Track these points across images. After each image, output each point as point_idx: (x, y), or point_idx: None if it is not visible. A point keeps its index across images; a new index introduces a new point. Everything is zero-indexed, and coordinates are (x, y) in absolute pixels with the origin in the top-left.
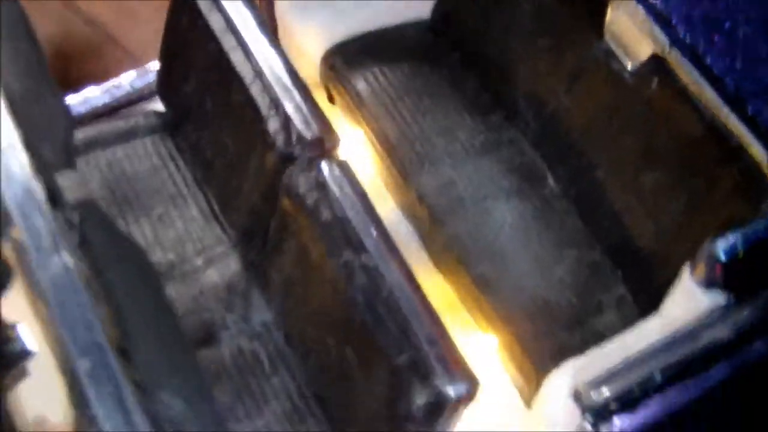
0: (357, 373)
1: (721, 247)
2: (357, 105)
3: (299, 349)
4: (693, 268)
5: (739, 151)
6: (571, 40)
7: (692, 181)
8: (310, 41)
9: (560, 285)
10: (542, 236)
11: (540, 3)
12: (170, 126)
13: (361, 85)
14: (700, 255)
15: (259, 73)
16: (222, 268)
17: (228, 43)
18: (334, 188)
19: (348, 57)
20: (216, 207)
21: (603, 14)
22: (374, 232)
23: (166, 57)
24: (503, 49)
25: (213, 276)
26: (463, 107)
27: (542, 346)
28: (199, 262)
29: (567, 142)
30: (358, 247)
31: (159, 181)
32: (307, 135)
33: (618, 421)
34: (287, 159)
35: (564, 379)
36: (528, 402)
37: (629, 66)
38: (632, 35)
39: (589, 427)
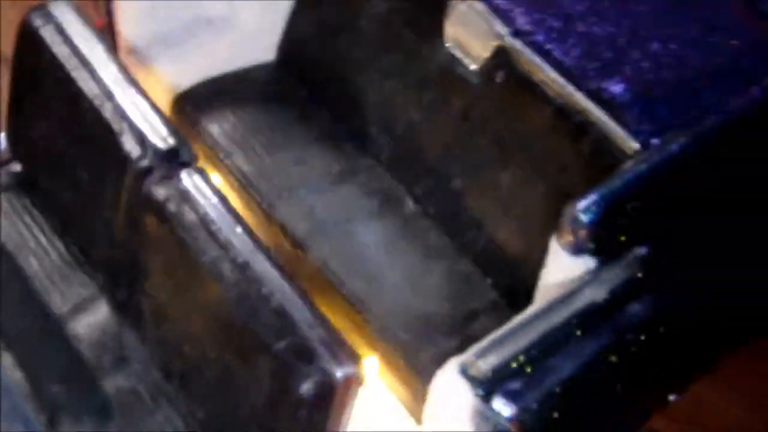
0: (241, 376)
1: (581, 208)
2: (210, 147)
3: (179, 377)
4: (559, 236)
5: (587, 127)
6: (413, 53)
7: (547, 168)
8: (157, 90)
9: (433, 296)
10: (409, 252)
11: (379, 22)
12: (25, 182)
13: (212, 127)
14: (562, 221)
15: (108, 94)
16: (90, 314)
17: (74, 67)
18: (195, 193)
19: (197, 102)
20: (77, 252)
21: (441, 20)
22: (239, 230)
23: (13, 111)
24: (349, 77)
25: (83, 323)
26: (316, 139)
27: (423, 357)
28: (65, 310)
29: (421, 159)
30: (225, 245)
31: (18, 238)
32: (163, 146)
33: (511, 386)
34: (145, 173)
35: (449, 373)
36: (418, 417)
37: (473, 66)
38: (472, 34)
39: (480, 402)
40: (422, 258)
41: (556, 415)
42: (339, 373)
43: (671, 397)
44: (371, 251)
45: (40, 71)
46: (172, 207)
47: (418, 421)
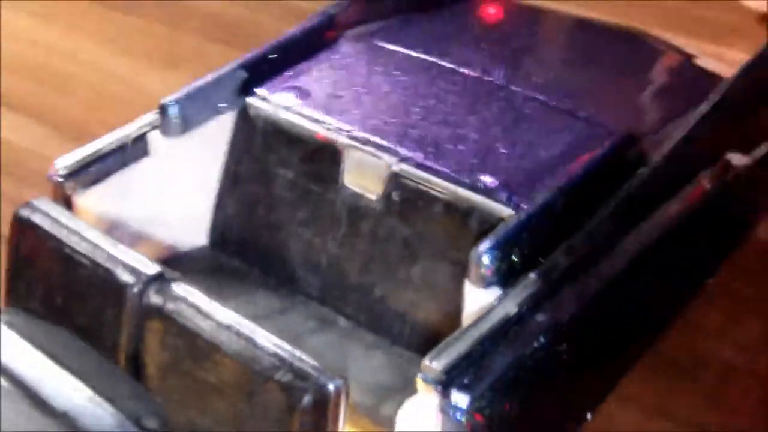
0: (251, 411)
1: (483, 250)
2: None
3: None
4: (469, 277)
5: (471, 211)
6: (321, 202)
7: (446, 252)
8: None
9: (380, 371)
10: (352, 350)
11: (289, 187)
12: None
13: None
14: (471, 263)
15: (99, 247)
16: None
17: (65, 235)
18: (185, 294)
19: None
20: None
21: (338, 170)
22: (227, 310)
23: (11, 287)
24: (274, 236)
25: None
26: (255, 290)
27: (384, 411)
28: None
29: (345, 283)
30: (221, 321)
31: None
32: (152, 271)
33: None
34: (143, 291)
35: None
36: None
37: (372, 196)
38: (367, 171)
39: (439, 398)
40: (364, 351)
41: (505, 404)
42: (331, 385)
43: (588, 416)
44: (320, 352)
45: (34, 247)
46: (170, 306)
47: None
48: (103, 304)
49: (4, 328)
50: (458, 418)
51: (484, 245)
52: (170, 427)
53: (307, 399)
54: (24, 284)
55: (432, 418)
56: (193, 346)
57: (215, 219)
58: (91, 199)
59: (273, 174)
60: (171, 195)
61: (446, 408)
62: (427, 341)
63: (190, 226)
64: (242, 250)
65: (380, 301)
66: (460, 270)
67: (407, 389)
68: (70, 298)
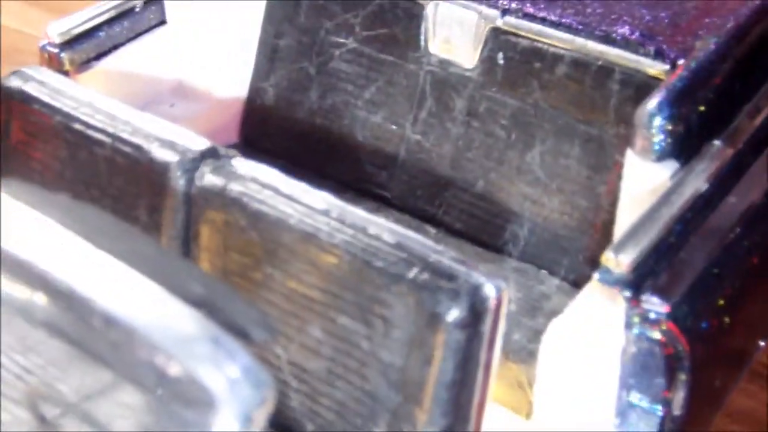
0: (366, 330)
1: (652, 110)
2: None
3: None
4: (635, 147)
5: (609, 69)
6: (397, 75)
7: (574, 127)
8: None
9: None
10: None
11: (351, 60)
12: None
13: None
14: (636, 130)
15: (123, 121)
16: None
17: (74, 107)
18: (253, 170)
19: None
20: None
21: (417, 32)
22: (311, 189)
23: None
24: (330, 126)
25: None
26: None
27: (514, 339)
28: None
29: (431, 179)
30: (310, 204)
31: None
32: (198, 146)
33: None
34: (191, 176)
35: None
36: (517, 409)
37: (466, 61)
38: (458, 29)
39: (625, 306)
40: None
41: (706, 313)
42: (489, 287)
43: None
44: None
45: (30, 127)
46: (236, 188)
47: (519, 413)
48: (134, 195)
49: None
50: (650, 332)
51: (655, 103)
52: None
53: (457, 306)
54: (18, 178)
55: (610, 334)
56: (276, 240)
57: (250, 109)
58: (94, 78)
59: (327, 44)
60: (192, 77)
61: (635, 318)
62: (551, 250)
63: (217, 118)
64: (287, 147)
65: (483, 200)
66: (595, 150)
67: (535, 312)
68: (82, 190)
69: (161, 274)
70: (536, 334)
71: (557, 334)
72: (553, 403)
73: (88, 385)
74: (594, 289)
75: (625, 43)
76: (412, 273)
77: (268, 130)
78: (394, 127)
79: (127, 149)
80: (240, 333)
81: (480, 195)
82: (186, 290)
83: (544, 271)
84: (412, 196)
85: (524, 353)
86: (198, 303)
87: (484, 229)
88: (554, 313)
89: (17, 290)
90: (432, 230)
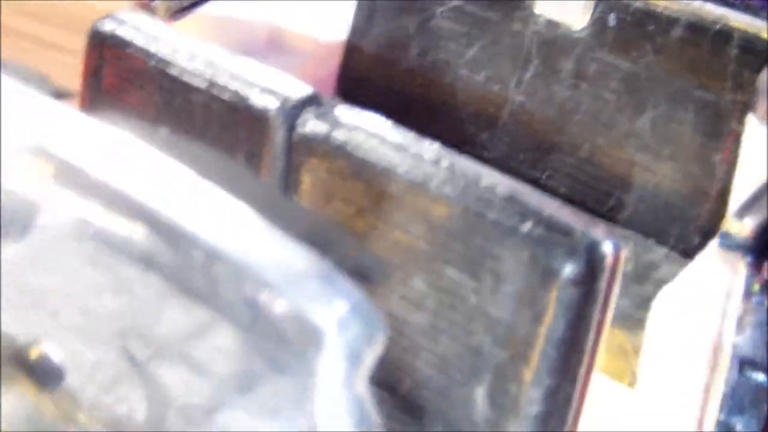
0: (476, 284)
1: None
2: None
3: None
4: (754, 109)
5: (727, 33)
6: (502, 35)
7: (688, 92)
8: None
9: None
10: None
11: (455, 17)
12: None
13: None
14: (758, 97)
15: (218, 66)
16: None
17: (170, 52)
18: (358, 117)
19: None
20: None
21: None
22: (413, 135)
23: None
24: (431, 85)
25: None
26: None
27: (621, 304)
28: None
29: (535, 142)
30: (418, 152)
31: None
32: (300, 93)
33: None
34: (293, 123)
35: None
36: (620, 378)
37: (575, 22)
38: None
39: (747, 272)
40: None
41: None
42: (607, 244)
43: None
44: None
45: (124, 71)
46: (340, 135)
47: (622, 381)
48: (231, 143)
49: None
50: None
51: None
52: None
53: (573, 262)
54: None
55: (727, 302)
56: (383, 189)
57: (347, 66)
58: (187, 27)
59: (429, 1)
60: (288, 30)
61: (755, 286)
62: (660, 218)
63: (312, 74)
64: (385, 106)
65: (589, 165)
66: (711, 117)
67: (643, 280)
68: (177, 136)
69: (268, 211)
70: (644, 301)
71: (669, 300)
72: (659, 372)
73: (182, 325)
74: (712, 254)
75: (744, 7)
76: (527, 227)
77: (365, 87)
78: (497, 87)
79: (225, 96)
80: (350, 273)
81: (586, 159)
82: (294, 228)
83: (651, 240)
84: (514, 160)
85: (631, 320)
86: (306, 241)
87: (589, 195)
88: (663, 281)
89: (113, 223)
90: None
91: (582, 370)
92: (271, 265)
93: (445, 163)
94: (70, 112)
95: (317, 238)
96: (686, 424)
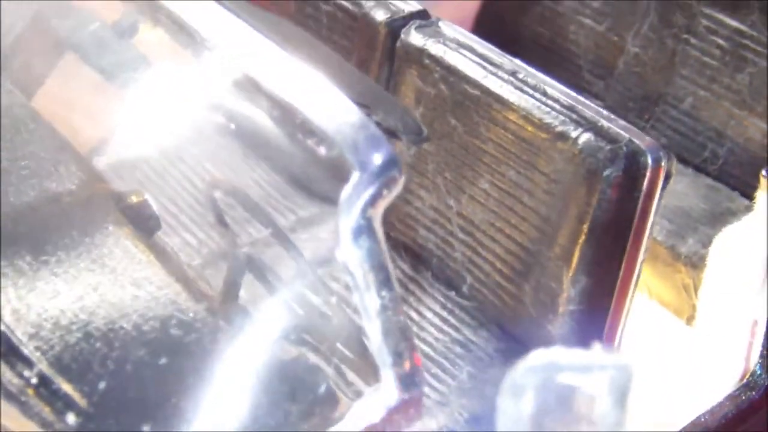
0: (530, 191)
1: None
2: None
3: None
4: None
5: None
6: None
7: None
8: None
9: (686, 198)
10: None
11: None
12: None
13: None
14: None
15: None
16: None
17: None
18: (453, 32)
19: None
20: None
21: None
22: (499, 51)
23: None
24: (556, 33)
25: None
26: None
27: (689, 244)
28: None
29: (644, 92)
30: (500, 64)
31: None
32: (408, 7)
33: None
34: (398, 33)
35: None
36: (683, 314)
37: None
38: None
39: None
40: None
41: None
42: (647, 154)
43: None
44: None
45: None
46: (435, 47)
47: (681, 316)
48: (348, 48)
49: None
50: None
51: None
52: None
53: (614, 166)
54: None
55: None
56: (463, 94)
57: (483, 8)
58: None
59: None
60: None
61: None
62: (747, 172)
63: (450, 14)
64: (513, 48)
65: (689, 117)
66: None
67: (716, 223)
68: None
69: (331, 70)
70: (711, 241)
71: (729, 238)
72: (716, 311)
73: (255, 177)
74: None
75: None
76: (577, 132)
77: (498, 28)
78: (616, 38)
79: (347, 5)
80: (392, 131)
81: (687, 112)
82: (355, 91)
83: (736, 192)
84: (624, 108)
85: (695, 258)
86: (363, 103)
87: (686, 146)
88: None
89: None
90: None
91: (620, 275)
92: (325, 115)
93: (520, 75)
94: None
95: (376, 102)
96: (734, 360)
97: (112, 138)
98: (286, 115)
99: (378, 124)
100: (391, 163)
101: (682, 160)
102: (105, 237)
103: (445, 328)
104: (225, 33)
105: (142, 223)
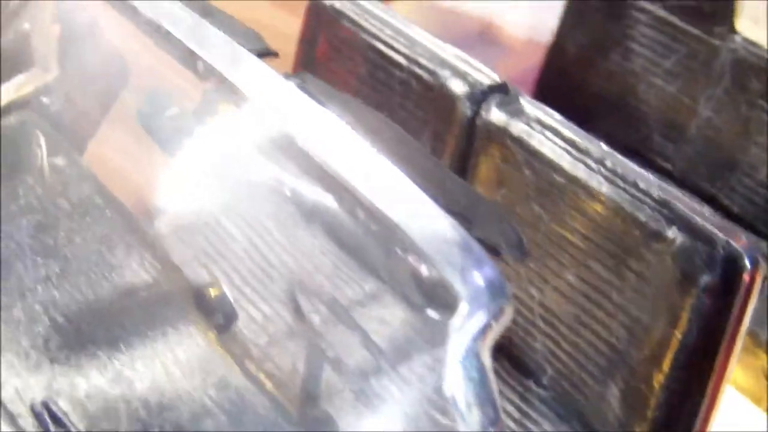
0: (619, 280)
1: None
2: None
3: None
4: None
5: None
6: (699, 50)
7: None
8: None
9: None
10: None
11: (657, 26)
12: None
13: None
14: None
15: (422, 46)
16: None
17: (378, 29)
18: (538, 112)
19: None
20: None
21: (729, 8)
22: (585, 134)
23: None
24: (624, 91)
25: None
26: None
27: None
28: None
29: (717, 158)
30: (588, 151)
31: None
32: (489, 81)
33: None
34: (478, 109)
35: None
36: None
37: None
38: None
39: None
40: None
41: None
42: (745, 258)
43: None
44: None
45: (334, 39)
46: (518, 127)
47: (759, 404)
48: (422, 120)
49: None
50: None
51: None
52: None
53: (710, 272)
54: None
55: None
56: (548, 180)
57: (549, 61)
58: (404, 8)
59: (636, 8)
60: (499, 23)
61: None
62: None
63: (515, 66)
64: (579, 104)
65: (764, 187)
66: None
67: None
68: (375, 108)
69: (430, 180)
70: None
71: None
72: None
73: (352, 291)
74: None
75: None
76: (672, 232)
77: (563, 85)
78: (687, 100)
79: (422, 74)
80: (494, 248)
81: (762, 182)
82: (449, 198)
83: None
84: (694, 173)
85: None
86: (459, 212)
87: (760, 218)
88: None
89: (306, 189)
90: (706, 210)
91: (712, 381)
92: (421, 230)
93: (608, 163)
94: (276, 77)
95: (472, 211)
96: None
97: (177, 210)
98: (378, 227)
99: (479, 239)
100: (499, 291)
101: (756, 232)
102: (180, 334)
103: (525, 421)
104: (309, 126)
105: (219, 318)
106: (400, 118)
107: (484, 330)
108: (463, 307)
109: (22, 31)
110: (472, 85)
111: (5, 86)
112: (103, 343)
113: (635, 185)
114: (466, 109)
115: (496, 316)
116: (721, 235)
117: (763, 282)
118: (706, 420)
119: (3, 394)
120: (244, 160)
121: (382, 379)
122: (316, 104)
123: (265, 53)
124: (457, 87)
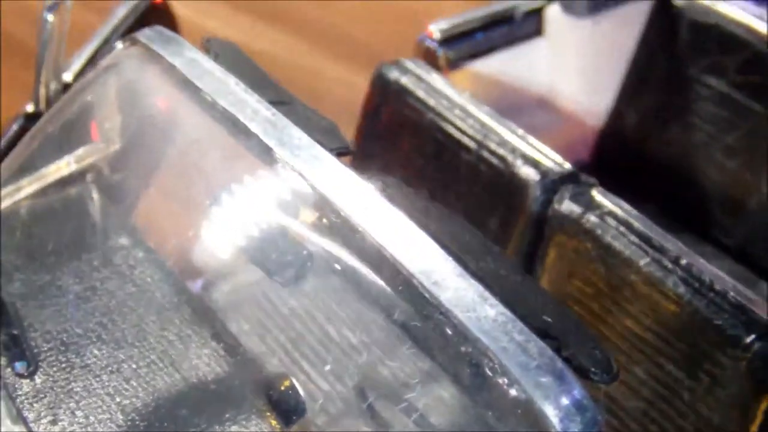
0: (691, 389)
1: None
2: None
3: None
4: None
5: None
6: (761, 124)
7: None
8: None
9: None
10: None
11: (719, 101)
12: None
13: None
14: None
15: (490, 129)
16: None
17: (444, 109)
18: (611, 204)
19: None
20: None
21: None
22: (659, 230)
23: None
24: (684, 164)
25: None
26: None
27: None
28: None
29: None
30: (660, 248)
31: None
32: (561, 169)
33: None
34: (550, 198)
35: None
36: None
37: None
38: None
39: None
40: None
41: None
42: None
43: None
44: None
45: (399, 116)
46: (591, 219)
47: None
48: (490, 205)
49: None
50: None
51: None
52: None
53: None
54: (379, 160)
55: None
56: (623, 277)
57: (607, 131)
58: (464, 77)
59: (697, 82)
60: (557, 91)
61: None
62: None
63: (573, 134)
64: (637, 175)
65: None
66: None
67: None
68: (441, 191)
69: (515, 295)
70: None
71: None
72: None
73: (411, 373)
74: None
75: None
76: (750, 338)
77: (621, 155)
78: (748, 176)
79: (492, 160)
80: (582, 370)
81: None
82: (536, 317)
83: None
84: (752, 248)
85: None
86: (547, 331)
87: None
88: None
89: (371, 274)
90: (766, 287)
91: None
92: (509, 352)
93: (683, 262)
94: (341, 167)
95: (560, 330)
96: None
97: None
98: (469, 348)
99: (567, 360)
100: (592, 424)
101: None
102: (249, 425)
103: None
104: (395, 239)
105: (287, 410)
106: (466, 201)
107: None
108: None
109: (86, 103)
110: (544, 173)
111: (67, 158)
112: None
113: (711, 287)
114: (537, 198)
115: None
116: None
117: None
118: None
119: None
120: (328, 264)
121: None
122: (403, 217)
123: (344, 152)
124: (530, 175)
